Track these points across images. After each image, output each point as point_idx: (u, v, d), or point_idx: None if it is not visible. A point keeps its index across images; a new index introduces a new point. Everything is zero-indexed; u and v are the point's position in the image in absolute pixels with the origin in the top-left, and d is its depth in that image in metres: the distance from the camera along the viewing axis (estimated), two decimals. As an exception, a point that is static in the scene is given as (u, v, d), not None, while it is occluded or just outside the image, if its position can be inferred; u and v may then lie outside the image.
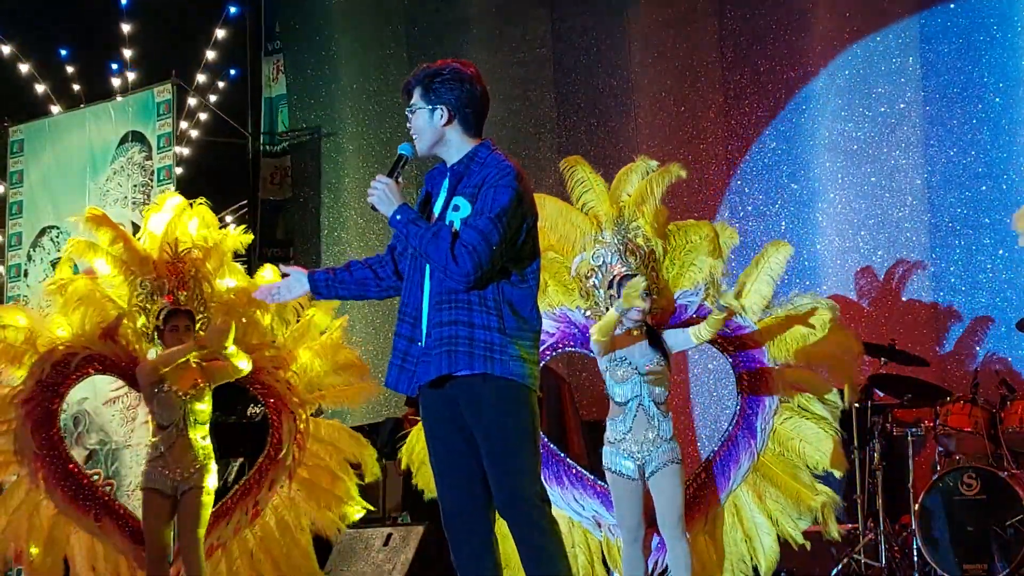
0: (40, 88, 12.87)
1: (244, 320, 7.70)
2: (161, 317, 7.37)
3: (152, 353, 7.55)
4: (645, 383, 6.34)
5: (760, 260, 7.00)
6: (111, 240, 7.74)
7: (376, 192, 4.59)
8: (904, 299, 9.95)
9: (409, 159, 4.69)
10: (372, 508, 8.10)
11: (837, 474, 6.93)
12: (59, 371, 7.52)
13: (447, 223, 4.55)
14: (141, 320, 7.58)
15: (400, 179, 4.67)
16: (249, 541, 7.73)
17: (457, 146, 4.67)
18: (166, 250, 7.72)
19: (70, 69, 12.92)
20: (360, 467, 7.96)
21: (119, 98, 12.43)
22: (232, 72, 13.35)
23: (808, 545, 7.03)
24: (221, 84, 13.17)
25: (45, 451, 7.51)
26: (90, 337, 7.54)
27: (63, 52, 13.00)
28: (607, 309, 6.58)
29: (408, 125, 4.70)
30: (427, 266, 4.60)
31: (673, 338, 6.52)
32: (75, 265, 8.13)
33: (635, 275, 6.49)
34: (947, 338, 9.79)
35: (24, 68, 12.78)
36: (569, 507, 7.08)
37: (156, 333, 7.40)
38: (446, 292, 4.52)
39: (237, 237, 8.04)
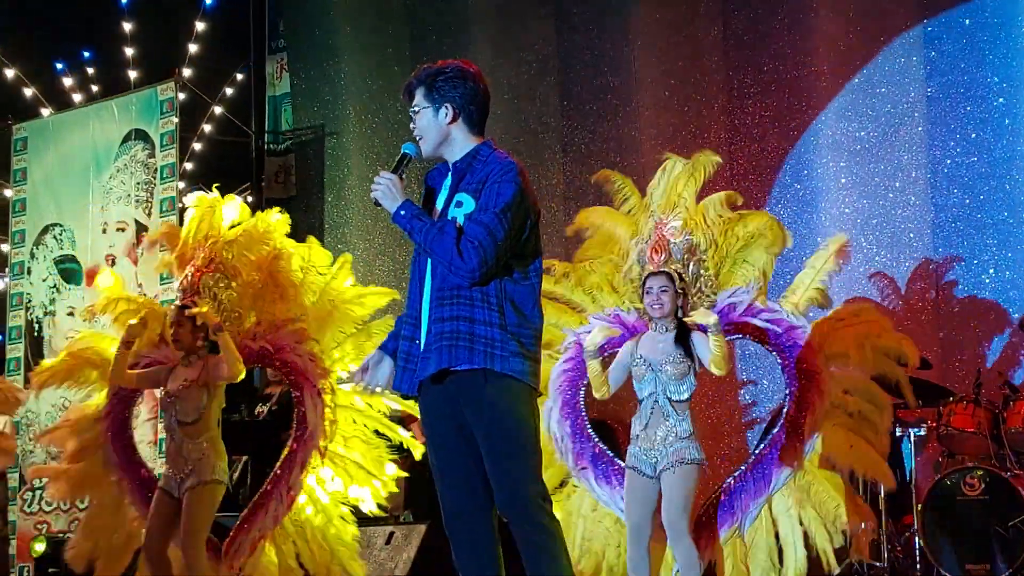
0: (29, 92, 12.91)
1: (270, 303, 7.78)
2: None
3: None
4: (660, 381, 6.29)
5: (819, 259, 7.00)
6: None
7: (380, 187, 4.59)
8: (907, 299, 9.95)
9: (412, 158, 4.68)
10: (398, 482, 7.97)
11: (884, 488, 6.83)
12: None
13: (451, 219, 4.55)
14: None
15: (403, 177, 4.67)
16: (289, 529, 7.69)
17: (461, 145, 4.67)
18: (187, 248, 7.77)
19: (78, 67, 12.95)
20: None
21: (122, 96, 12.44)
22: (243, 68, 13.38)
23: (836, 570, 6.96)
24: (225, 82, 13.19)
25: (123, 459, 7.84)
26: (147, 344, 7.73)
27: (67, 50, 13.01)
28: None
29: (412, 126, 4.70)
30: (427, 265, 4.59)
31: (699, 346, 6.40)
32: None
33: (660, 272, 6.43)
34: (950, 338, 9.78)
35: (35, 65, 12.80)
36: (615, 506, 7.05)
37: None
38: (448, 288, 4.51)
39: (274, 222, 8.00)
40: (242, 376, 7.24)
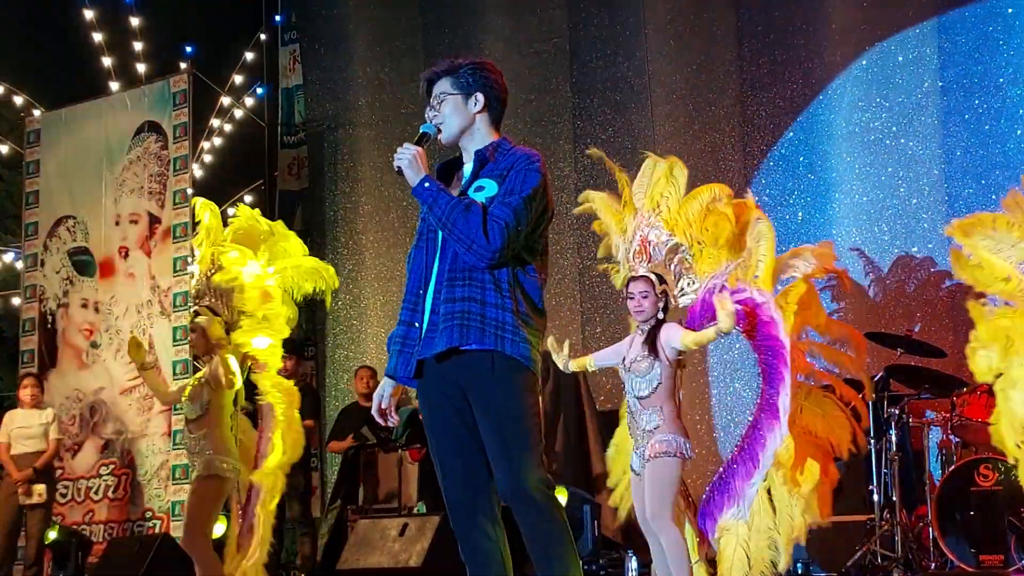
0: (19, 99, 12.98)
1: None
2: None
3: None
4: (631, 381, 6.35)
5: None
6: None
7: (405, 156, 4.50)
8: (921, 290, 9.93)
9: (432, 137, 4.63)
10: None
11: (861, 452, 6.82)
12: None
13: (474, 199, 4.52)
14: None
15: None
16: None
17: (481, 136, 4.64)
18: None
19: (88, 59, 12.97)
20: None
21: (135, 88, 12.47)
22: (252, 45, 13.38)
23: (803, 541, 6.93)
24: (238, 74, 13.22)
25: None
26: None
27: (78, 42, 13.04)
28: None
29: (431, 114, 4.65)
30: (437, 249, 4.56)
31: (667, 333, 6.39)
32: None
33: (640, 277, 6.47)
34: (964, 328, 9.74)
35: (41, 61, 12.83)
36: None
37: None
38: (460, 270, 4.47)
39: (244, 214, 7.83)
40: (236, 387, 7.30)
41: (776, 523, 6.78)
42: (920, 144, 10.11)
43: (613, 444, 6.98)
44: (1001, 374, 6.46)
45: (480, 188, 4.53)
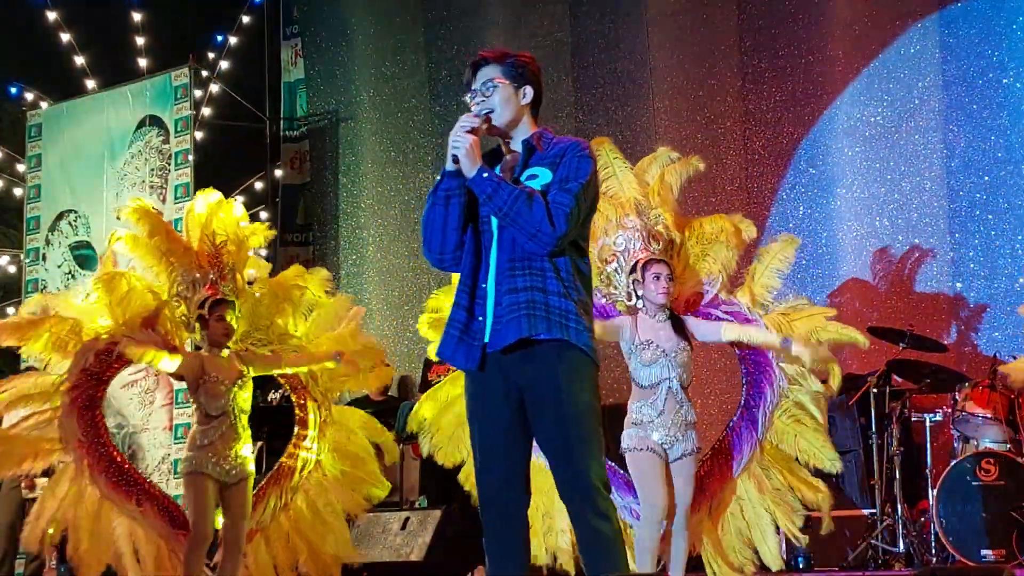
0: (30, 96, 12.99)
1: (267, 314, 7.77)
2: (207, 306, 7.34)
3: (189, 343, 7.62)
4: (672, 368, 6.32)
5: (768, 253, 6.95)
6: (150, 231, 7.74)
7: (463, 145, 4.40)
8: (923, 284, 9.93)
9: (482, 122, 4.53)
10: (390, 485, 8.22)
11: (834, 469, 6.82)
12: (102, 360, 7.54)
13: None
14: (181, 309, 7.56)
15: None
16: (284, 525, 7.77)
17: (525, 128, 4.61)
18: (205, 242, 7.72)
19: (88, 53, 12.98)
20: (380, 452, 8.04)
21: (137, 82, 12.48)
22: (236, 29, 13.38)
23: (805, 541, 6.95)
24: (240, 68, 13.22)
25: (89, 438, 7.54)
26: (131, 326, 7.54)
27: (81, 35, 13.05)
28: (628, 294, 6.59)
29: (476, 100, 4.57)
30: (494, 236, 4.51)
31: (700, 328, 6.50)
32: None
33: (663, 260, 6.49)
34: (966, 323, 9.76)
35: (43, 54, 12.83)
36: None
37: (200, 322, 7.36)
38: (520, 259, 4.41)
39: (263, 232, 8.02)
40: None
41: (749, 525, 6.82)
42: (922, 138, 10.11)
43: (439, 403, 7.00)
44: None
45: (533, 176, 4.48)
